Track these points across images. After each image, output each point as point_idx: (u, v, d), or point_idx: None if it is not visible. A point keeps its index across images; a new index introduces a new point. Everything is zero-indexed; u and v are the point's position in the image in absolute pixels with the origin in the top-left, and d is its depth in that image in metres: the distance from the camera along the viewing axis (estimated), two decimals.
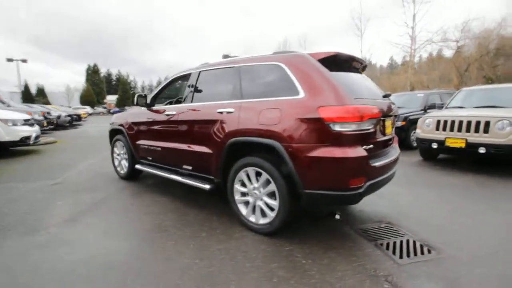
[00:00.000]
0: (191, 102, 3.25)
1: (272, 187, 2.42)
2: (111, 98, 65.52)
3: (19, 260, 2.17)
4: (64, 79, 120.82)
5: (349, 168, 2.12)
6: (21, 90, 32.22)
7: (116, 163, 4.69)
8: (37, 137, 7.33)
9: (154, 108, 3.85)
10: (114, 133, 4.68)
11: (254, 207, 2.62)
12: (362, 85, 2.67)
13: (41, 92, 56.26)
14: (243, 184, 2.68)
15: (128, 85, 68.75)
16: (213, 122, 2.85)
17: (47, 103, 39.01)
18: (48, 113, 13.95)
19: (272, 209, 2.48)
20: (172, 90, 4.15)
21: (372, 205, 3.21)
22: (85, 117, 30.27)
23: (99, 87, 67.38)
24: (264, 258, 2.16)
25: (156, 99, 3.95)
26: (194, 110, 3.14)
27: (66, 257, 2.19)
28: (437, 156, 5.93)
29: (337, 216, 2.87)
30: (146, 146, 3.90)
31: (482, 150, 4.53)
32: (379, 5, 42.48)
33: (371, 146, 2.30)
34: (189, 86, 3.34)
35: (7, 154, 6.78)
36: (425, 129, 5.41)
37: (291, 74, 2.40)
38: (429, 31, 23.53)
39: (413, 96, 8.29)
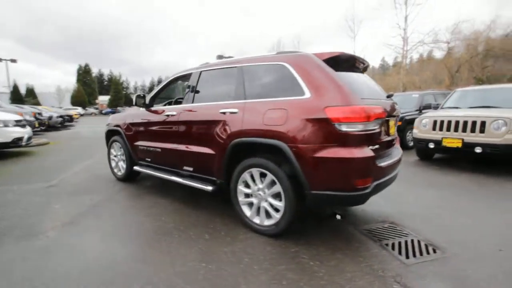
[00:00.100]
0: (192, 102, 3.20)
1: (278, 188, 2.40)
2: (103, 99, 64.38)
3: (17, 266, 2.10)
4: (55, 79, 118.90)
5: (357, 168, 2.12)
6: (10, 91, 31.50)
7: (113, 164, 4.60)
8: (29, 139, 7.16)
9: (153, 108, 3.79)
10: (110, 134, 4.60)
11: (258, 209, 2.60)
12: (366, 85, 2.67)
13: (31, 92, 54.83)
14: (247, 185, 2.66)
15: (120, 86, 67.67)
16: (215, 122, 2.81)
17: (37, 103, 38.14)
18: (39, 114, 13.62)
19: (277, 210, 2.46)
20: (171, 91, 4.10)
21: (373, 205, 3.22)
22: (77, 118, 29.76)
23: (91, 88, 66.25)
24: (271, 260, 2.14)
25: (155, 99, 3.90)
26: (195, 110, 3.10)
27: (67, 263, 2.13)
28: (433, 156, 6.01)
29: (338, 217, 2.88)
30: (145, 147, 3.83)
31: (478, 150, 4.60)
32: (372, 6, 42.91)
33: (377, 146, 2.30)
34: (189, 86, 3.30)
35: None
36: (422, 129, 5.47)
37: (296, 74, 2.38)
38: (420, 32, 24.04)
39: (408, 96, 8.38)
